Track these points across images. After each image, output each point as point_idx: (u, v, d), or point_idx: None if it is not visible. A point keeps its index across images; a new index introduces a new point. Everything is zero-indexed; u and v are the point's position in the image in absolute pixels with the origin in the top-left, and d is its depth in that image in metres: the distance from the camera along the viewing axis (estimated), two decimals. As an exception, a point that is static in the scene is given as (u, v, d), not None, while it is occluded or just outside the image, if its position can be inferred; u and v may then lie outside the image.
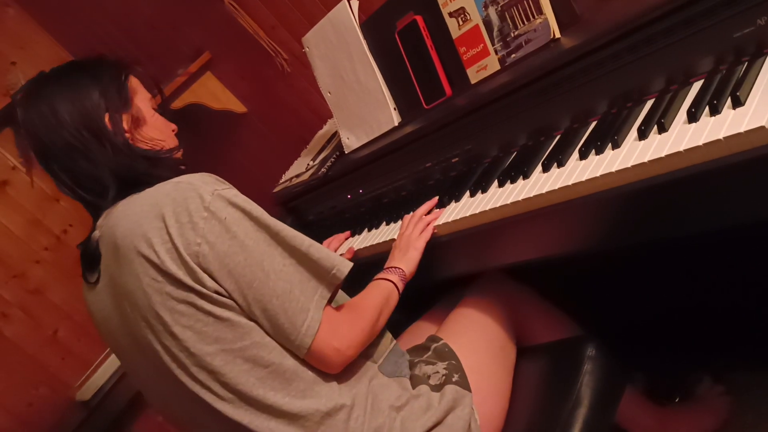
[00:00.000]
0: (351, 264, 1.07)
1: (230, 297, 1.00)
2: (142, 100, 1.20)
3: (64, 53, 2.52)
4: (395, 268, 1.27)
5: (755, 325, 1.42)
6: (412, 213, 1.37)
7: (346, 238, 1.62)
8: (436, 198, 1.36)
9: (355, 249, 1.51)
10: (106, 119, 1.11)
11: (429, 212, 1.36)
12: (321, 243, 1.63)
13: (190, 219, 0.99)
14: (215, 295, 0.99)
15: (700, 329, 1.52)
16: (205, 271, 0.99)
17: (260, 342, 1.02)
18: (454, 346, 1.23)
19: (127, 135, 1.14)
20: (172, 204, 1.00)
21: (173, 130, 1.25)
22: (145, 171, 1.12)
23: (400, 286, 1.24)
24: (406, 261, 1.28)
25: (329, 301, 1.06)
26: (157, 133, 1.19)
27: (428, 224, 1.32)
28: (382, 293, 1.20)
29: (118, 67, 1.19)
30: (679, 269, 1.53)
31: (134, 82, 1.20)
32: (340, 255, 1.53)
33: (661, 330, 1.58)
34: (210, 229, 0.99)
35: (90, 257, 1.11)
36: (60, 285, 2.47)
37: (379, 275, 1.26)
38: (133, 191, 1.08)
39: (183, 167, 1.19)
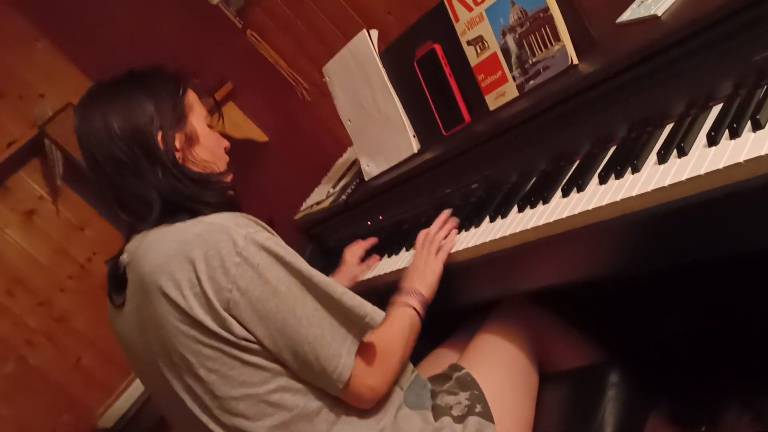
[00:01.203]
0: (383, 313, 1.06)
1: (259, 342, 1.00)
2: (198, 116, 1.16)
3: (90, 84, 2.58)
4: (415, 292, 1.25)
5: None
6: (426, 230, 1.35)
7: (371, 245, 1.62)
8: (448, 210, 1.36)
9: (373, 276, 1.51)
10: (159, 137, 1.09)
11: (443, 227, 1.35)
12: (343, 251, 1.64)
13: (221, 264, 0.97)
14: (243, 342, 0.99)
15: (728, 354, 1.49)
16: (234, 317, 0.98)
17: (286, 386, 1.02)
18: (476, 375, 1.22)
19: (178, 155, 1.11)
20: (204, 246, 0.98)
21: (225, 148, 1.22)
22: (191, 195, 1.09)
23: (422, 311, 1.23)
24: (425, 285, 1.27)
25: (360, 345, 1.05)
26: (208, 154, 1.16)
27: (445, 245, 1.31)
28: (406, 322, 1.19)
29: (175, 81, 1.15)
30: (705, 292, 1.51)
31: (191, 96, 1.17)
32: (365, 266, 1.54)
33: (687, 354, 1.55)
34: (242, 275, 0.97)
35: (117, 280, 1.10)
36: (84, 313, 2.49)
37: (399, 298, 1.25)
38: (174, 217, 1.06)
39: (231, 192, 1.17)
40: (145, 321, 1.05)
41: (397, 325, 1.18)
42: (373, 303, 1.08)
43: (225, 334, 0.98)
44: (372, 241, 1.62)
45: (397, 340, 1.14)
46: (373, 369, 1.06)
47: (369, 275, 1.55)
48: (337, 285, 1.03)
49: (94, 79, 2.60)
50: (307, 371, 1.01)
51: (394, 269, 1.45)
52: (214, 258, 0.97)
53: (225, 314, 0.97)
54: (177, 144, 1.11)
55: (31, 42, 2.57)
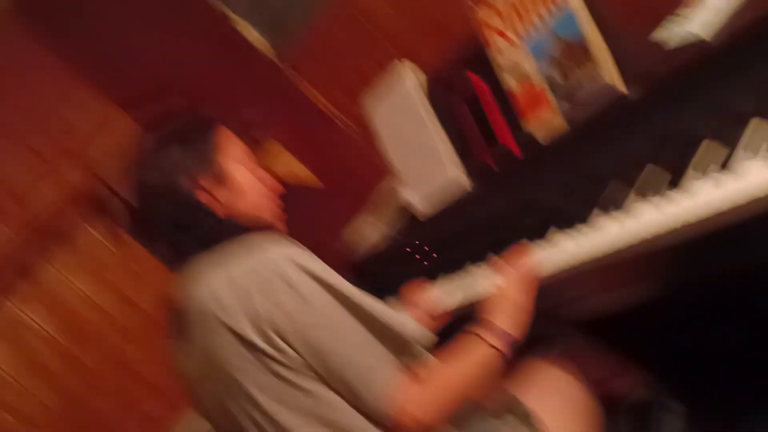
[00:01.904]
0: (432, 336, 1.06)
1: (309, 366, 1.01)
2: (230, 157, 1.15)
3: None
4: (505, 332, 1.12)
5: None
6: (505, 259, 1.25)
7: (426, 286, 1.54)
8: (527, 244, 1.26)
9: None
10: (197, 194, 1.11)
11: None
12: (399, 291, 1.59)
13: (267, 287, 1.00)
14: (295, 363, 1.00)
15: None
16: (283, 340, 1.00)
17: (340, 410, 1.02)
18: (535, 409, 1.17)
19: (219, 209, 1.12)
20: (251, 273, 1.01)
21: (273, 187, 1.22)
22: (218, 233, 1.11)
23: (509, 353, 1.12)
24: (515, 324, 1.14)
25: (411, 367, 1.04)
26: (251, 207, 1.16)
27: (532, 276, 1.19)
28: (481, 361, 1.09)
29: (206, 122, 1.18)
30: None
31: (223, 136, 1.17)
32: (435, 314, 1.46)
33: (740, 377, 1.50)
34: (287, 300, 0.99)
35: (175, 315, 1.13)
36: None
37: (483, 334, 1.12)
38: (214, 248, 1.09)
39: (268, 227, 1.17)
40: (204, 353, 1.07)
41: (468, 360, 1.09)
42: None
43: (277, 355, 1.00)
44: (429, 284, 1.56)
45: (462, 376, 1.07)
46: (423, 401, 1.02)
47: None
48: (383, 308, 1.03)
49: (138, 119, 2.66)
50: (354, 396, 1.01)
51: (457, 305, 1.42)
52: (261, 283, 1.00)
53: (275, 336, 0.99)
54: (219, 198, 1.12)
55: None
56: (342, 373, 1.00)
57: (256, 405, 1.02)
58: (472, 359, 1.10)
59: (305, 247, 1.06)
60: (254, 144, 1.27)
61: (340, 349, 1.00)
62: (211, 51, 2.55)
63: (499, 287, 1.21)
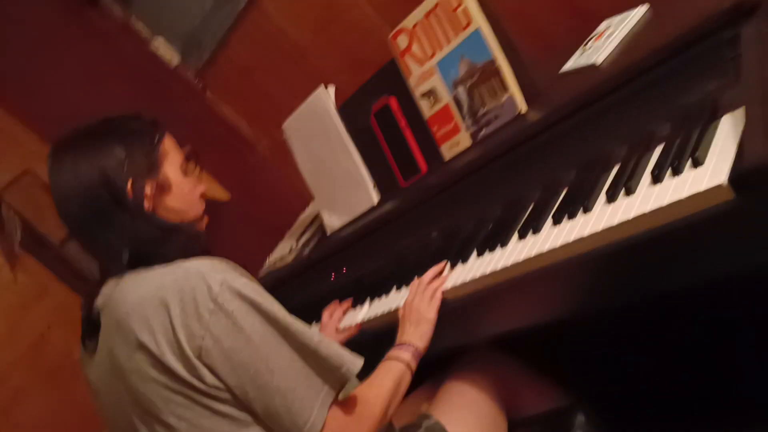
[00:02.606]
0: (361, 361, 1.04)
1: (230, 391, 0.98)
2: (172, 163, 1.15)
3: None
4: (408, 345, 1.20)
5: (757, 388, 1.40)
6: (418, 279, 1.30)
7: (349, 307, 1.56)
8: (444, 262, 1.31)
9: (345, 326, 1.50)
10: (129, 186, 1.07)
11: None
12: (319, 315, 1.60)
13: (196, 310, 0.96)
14: (213, 390, 0.97)
15: (695, 394, 1.50)
16: (206, 366, 0.96)
17: None
18: (446, 423, 1.21)
19: (147, 204, 1.09)
20: (179, 293, 0.97)
21: (201, 194, 1.21)
22: (158, 243, 1.07)
23: (414, 365, 1.18)
24: (419, 335, 1.22)
25: (336, 397, 1.03)
26: (180, 202, 1.14)
27: (435, 290, 1.25)
28: (393, 379, 1.14)
29: (151, 127, 1.15)
30: (668, 330, 1.53)
31: (168, 143, 1.16)
32: (344, 327, 1.50)
33: (653, 394, 1.56)
34: (216, 323, 0.96)
35: (90, 324, 1.08)
36: (40, 391, 2.39)
37: (392, 353, 1.20)
38: (145, 263, 1.05)
39: (201, 238, 1.16)
40: (117, 366, 1.03)
41: (382, 382, 1.13)
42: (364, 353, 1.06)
43: (195, 382, 0.96)
44: (349, 303, 1.58)
45: (380, 399, 1.09)
46: (350, 423, 1.02)
47: (344, 324, 1.52)
48: (314, 333, 1.01)
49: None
50: (277, 423, 0.99)
51: (365, 318, 1.44)
52: (189, 304, 0.96)
53: (197, 362, 0.96)
54: (147, 191, 1.09)
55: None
56: (267, 402, 0.97)
57: (166, 425, 0.99)
58: (385, 377, 1.14)
59: (242, 268, 1.04)
60: (191, 152, 1.22)
61: (268, 375, 0.97)
62: (131, 75, 2.52)
63: (406, 300, 1.28)
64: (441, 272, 1.29)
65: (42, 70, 2.49)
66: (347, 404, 1.05)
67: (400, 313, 1.28)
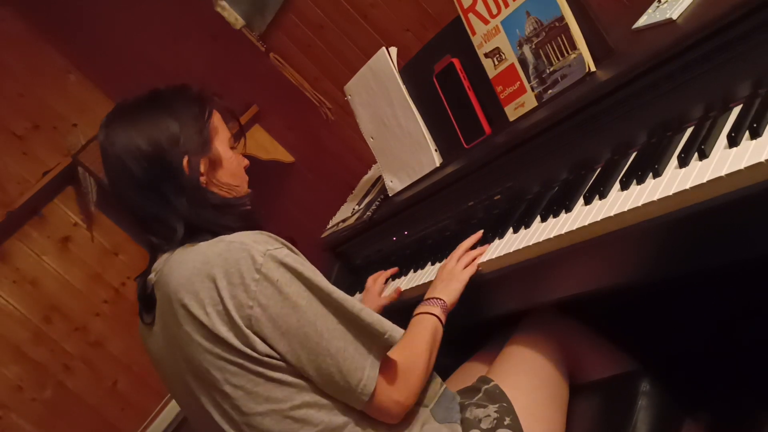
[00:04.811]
0: (402, 331, 1.06)
1: (283, 358, 1.01)
2: (222, 140, 1.16)
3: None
4: (436, 299, 1.24)
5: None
6: (460, 245, 1.35)
7: (392, 274, 1.62)
8: (481, 231, 1.35)
9: (402, 289, 1.51)
10: (185, 163, 1.09)
11: (474, 247, 1.34)
12: (366, 280, 1.65)
13: (242, 281, 0.98)
14: (266, 358, 1.00)
15: (764, 367, 1.45)
16: (256, 334, 0.99)
17: (311, 401, 1.03)
18: (505, 387, 1.21)
19: (202, 179, 1.11)
20: (224, 265, 0.99)
21: (245, 166, 1.22)
22: (213, 219, 1.10)
23: (443, 318, 1.22)
24: (447, 292, 1.25)
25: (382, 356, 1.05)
26: (231, 177, 1.17)
27: (474, 259, 1.30)
28: (428, 331, 1.18)
29: (200, 103, 1.14)
30: (740, 297, 1.47)
31: (216, 119, 1.17)
32: (387, 294, 1.54)
33: (725, 362, 1.51)
34: (262, 292, 0.98)
35: (146, 299, 1.12)
36: (119, 337, 2.55)
37: (420, 308, 1.24)
38: (195, 239, 1.07)
39: (252, 213, 1.18)
40: (173, 338, 1.07)
41: (419, 334, 1.17)
42: (399, 322, 1.08)
43: (248, 350, 0.99)
44: (393, 270, 1.62)
45: (421, 351, 1.13)
46: (398, 382, 1.06)
47: (387, 292, 1.56)
48: (355, 302, 1.04)
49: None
50: (331, 385, 1.02)
51: (420, 282, 1.45)
52: (235, 275, 0.99)
53: (247, 331, 0.99)
54: (201, 169, 1.11)
55: (64, 75, 2.66)
56: (319, 364, 1.00)
57: (223, 393, 1.02)
58: (421, 332, 1.18)
59: (285, 241, 1.05)
60: (238, 129, 1.24)
61: (317, 337, 1.00)
62: (198, 38, 2.56)
63: (441, 266, 1.34)
64: (478, 240, 1.34)
65: (115, 33, 2.56)
66: (391, 364, 1.07)
67: (437, 275, 1.32)
